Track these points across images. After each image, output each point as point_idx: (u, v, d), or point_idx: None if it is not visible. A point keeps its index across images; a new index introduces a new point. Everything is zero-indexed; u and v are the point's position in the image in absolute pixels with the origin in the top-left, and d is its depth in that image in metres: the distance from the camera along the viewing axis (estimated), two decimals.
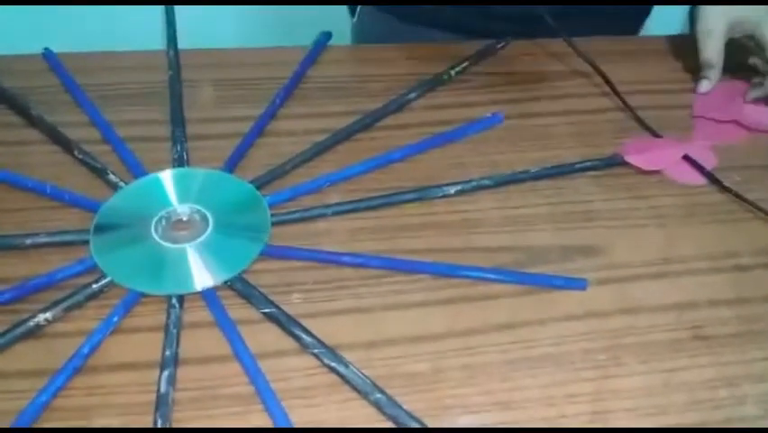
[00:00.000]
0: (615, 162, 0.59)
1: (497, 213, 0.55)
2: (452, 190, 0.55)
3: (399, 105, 0.63)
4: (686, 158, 0.58)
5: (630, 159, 0.58)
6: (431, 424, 0.41)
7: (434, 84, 0.65)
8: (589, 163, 0.58)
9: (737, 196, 0.56)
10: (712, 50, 0.63)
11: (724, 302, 0.49)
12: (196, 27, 0.74)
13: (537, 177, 0.57)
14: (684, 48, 0.69)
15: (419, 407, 0.42)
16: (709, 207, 0.56)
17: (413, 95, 0.64)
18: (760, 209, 0.55)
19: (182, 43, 0.67)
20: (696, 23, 0.64)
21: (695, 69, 0.66)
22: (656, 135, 0.61)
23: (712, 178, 0.57)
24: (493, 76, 0.67)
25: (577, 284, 0.49)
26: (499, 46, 0.70)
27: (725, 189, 0.56)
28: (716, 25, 0.63)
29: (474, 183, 0.56)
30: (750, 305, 0.49)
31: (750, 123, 0.63)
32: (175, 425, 0.41)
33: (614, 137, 0.61)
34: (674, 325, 0.48)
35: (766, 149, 0.61)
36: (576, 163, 0.58)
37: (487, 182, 0.56)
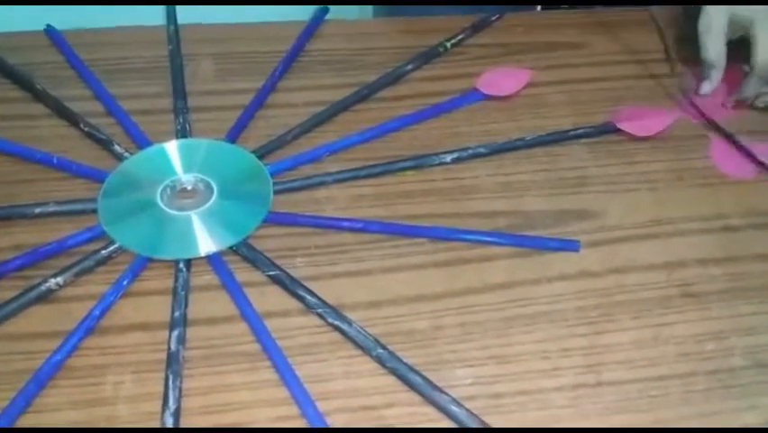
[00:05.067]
0: (608, 130, 0.60)
1: (492, 179, 0.56)
2: (449, 158, 0.57)
3: (396, 77, 0.64)
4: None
5: (623, 126, 0.60)
6: (430, 377, 0.43)
7: (429, 56, 0.66)
8: (582, 131, 0.60)
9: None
10: (713, 49, 0.61)
11: (712, 261, 0.51)
12: (195, 3, 0.75)
13: (532, 144, 0.59)
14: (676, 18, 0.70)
15: (419, 361, 0.44)
16: (699, 171, 0.57)
17: (409, 67, 0.65)
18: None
19: (181, 19, 0.68)
20: (698, 21, 0.62)
21: (680, 39, 0.68)
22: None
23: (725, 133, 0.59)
24: (488, 47, 0.68)
25: (570, 246, 0.51)
26: (494, 18, 0.71)
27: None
28: (716, 23, 0.61)
29: (470, 151, 0.57)
30: (738, 263, 0.51)
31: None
32: (186, 381, 0.43)
33: (606, 105, 0.62)
34: (664, 283, 0.49)
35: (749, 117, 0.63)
36: (570, 131, 0.60)
37: (483, 150, 0.58)
